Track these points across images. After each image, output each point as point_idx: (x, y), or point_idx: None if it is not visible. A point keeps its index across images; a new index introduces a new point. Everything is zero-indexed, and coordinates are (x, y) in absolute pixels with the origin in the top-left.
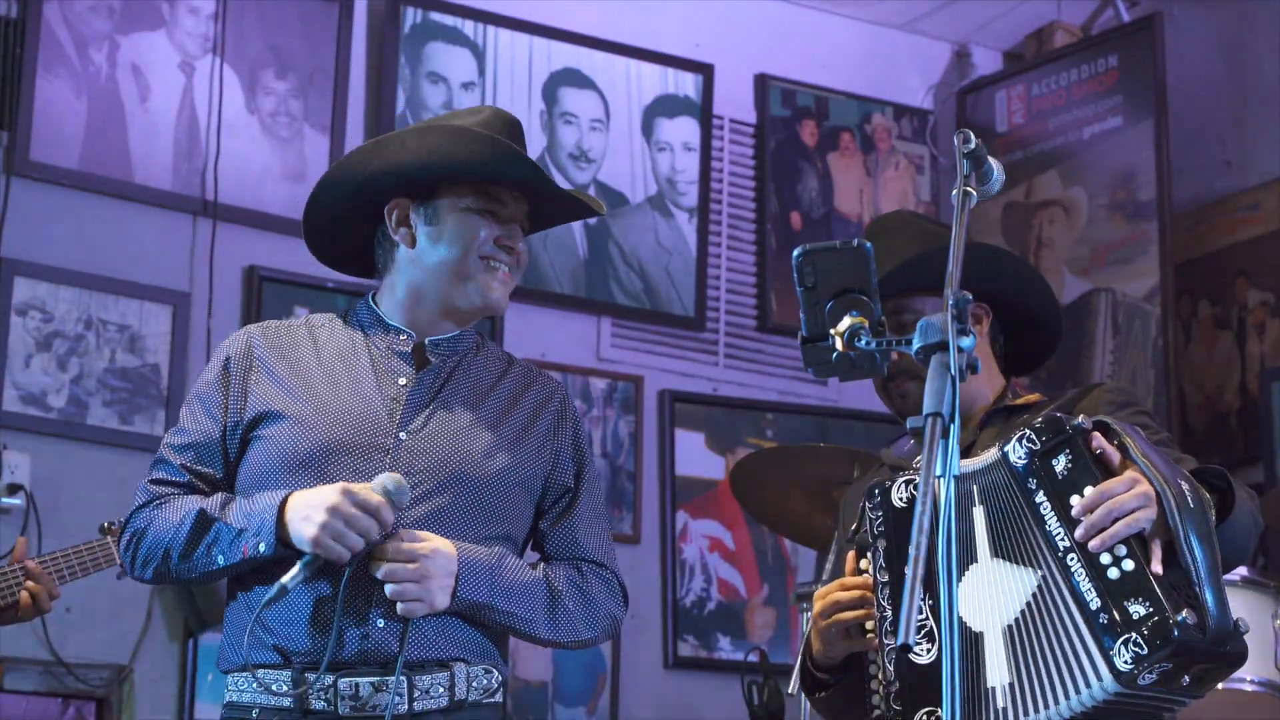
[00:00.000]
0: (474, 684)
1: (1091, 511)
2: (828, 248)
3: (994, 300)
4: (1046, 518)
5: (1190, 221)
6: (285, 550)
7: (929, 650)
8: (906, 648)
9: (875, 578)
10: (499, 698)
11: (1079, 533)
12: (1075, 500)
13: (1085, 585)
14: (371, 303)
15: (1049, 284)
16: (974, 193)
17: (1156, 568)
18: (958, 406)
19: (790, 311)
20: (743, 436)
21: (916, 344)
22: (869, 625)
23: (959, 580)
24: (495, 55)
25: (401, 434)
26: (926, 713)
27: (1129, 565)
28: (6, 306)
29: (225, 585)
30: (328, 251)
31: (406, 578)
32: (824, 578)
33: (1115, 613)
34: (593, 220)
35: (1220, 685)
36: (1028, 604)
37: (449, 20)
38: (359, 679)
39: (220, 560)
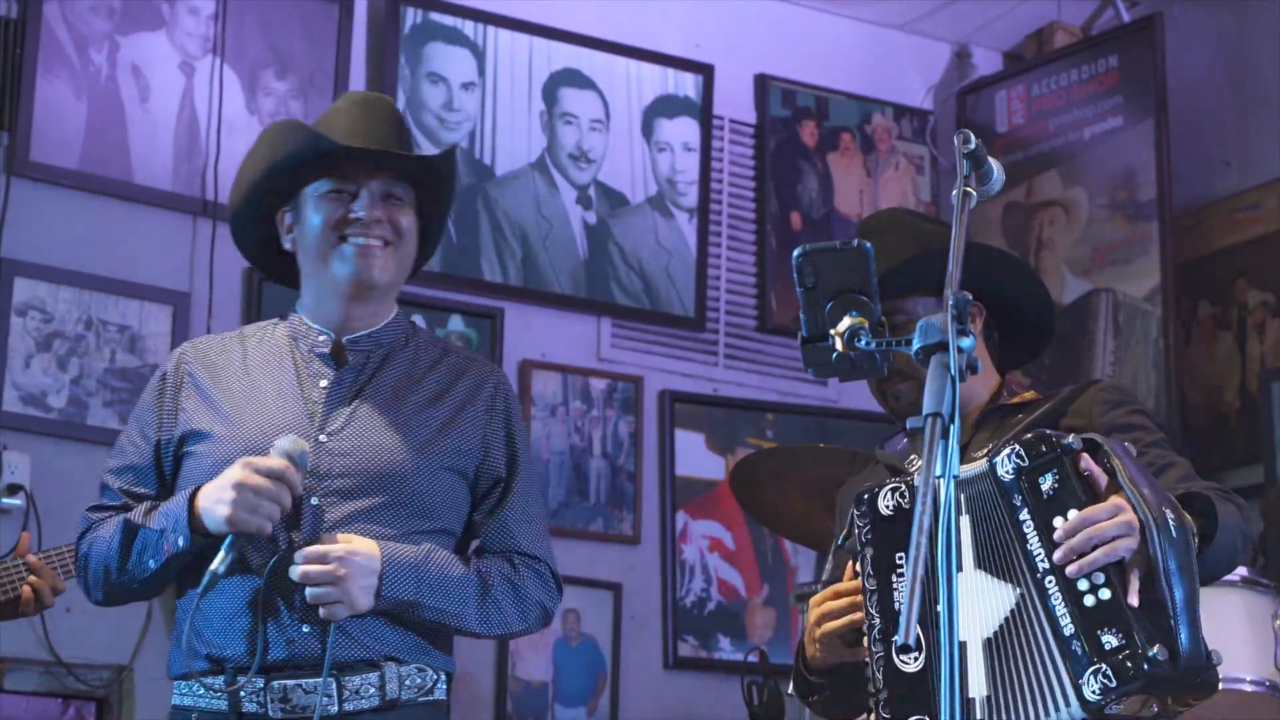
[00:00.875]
0: (406, 683)
1: (1073, 536)
2: (827, 248)
3: (985, 297)
4: (1029, 536)
5: (1190, 222)
6: (207, 540)
7: (917, 659)
8: (906, 648)
9: (864, 585)
10: (438, 695)
11: (1058, 555)
12: (1059, 521)
13: (1061, 610)
14: (296, 309)
15: (1040, 279)
16: (974, 193)
17: (1133, 599)
18: (957, 408)
19: (790, 312)
20: (743, 437)
21: (916, 344)
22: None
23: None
24: (495, 55)
25: (321, 436)
26: None
27: (1105, 594)
28: (6, 307)
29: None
30: (275, 273)
31: (323, 579)
32: (823, 578)
33: (1088, 642)
34: (592, 220)
35: (1220, 686)
36: (1006, 620)
37: (449, 20)
38: (288, 681)
39: (151, 564)
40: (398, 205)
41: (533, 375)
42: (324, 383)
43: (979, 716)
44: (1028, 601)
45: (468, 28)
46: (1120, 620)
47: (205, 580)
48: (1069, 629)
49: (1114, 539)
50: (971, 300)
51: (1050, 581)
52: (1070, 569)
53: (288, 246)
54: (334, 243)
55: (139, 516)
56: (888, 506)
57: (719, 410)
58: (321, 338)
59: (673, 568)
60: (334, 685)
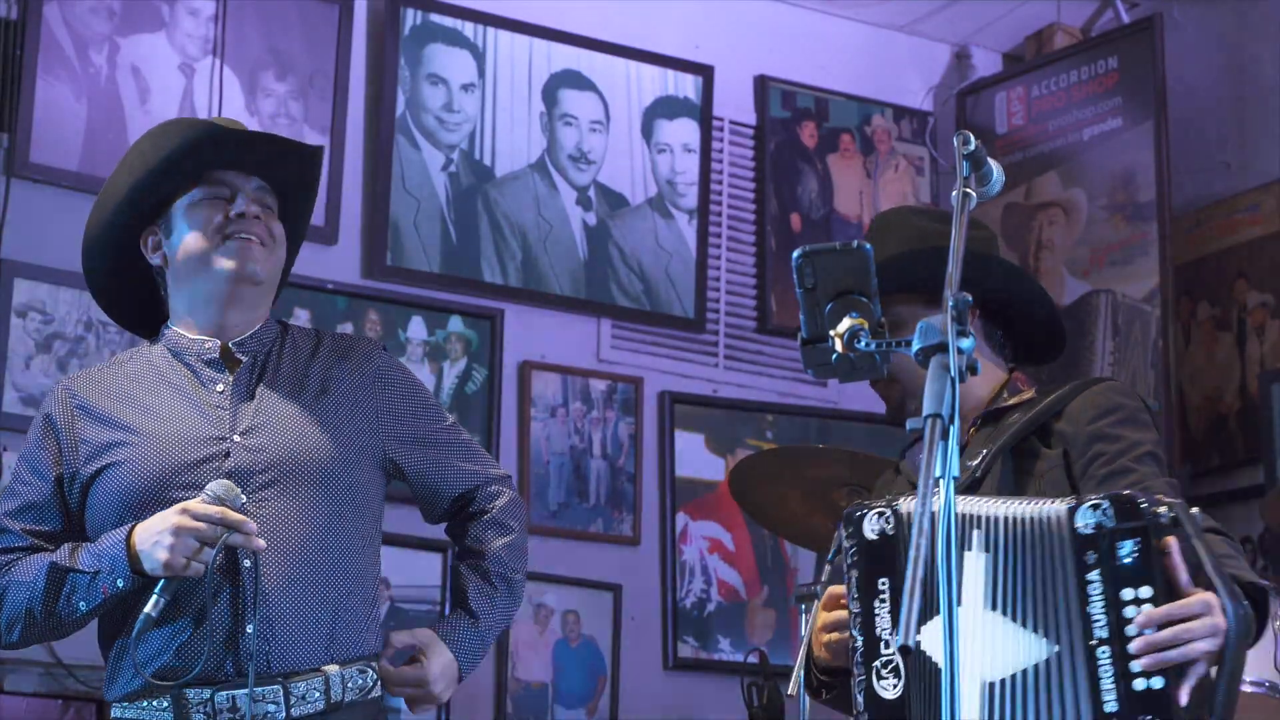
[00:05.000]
0: (349, 685)
1: (1158, 627)
2: (827, 249)
3: (982, 299)
4: (1092, 598)
5: (1189, 223)
6: (142, 580)
7: (895, 686)
8: (906, 649)
9: (849, 608)
10: (376, 693)
11: (1136, 644)
12: (1128, 593)
13: (1108, 685)
14: (169, 325)
15: (1036, 281)
16: (973, 194)
17: (1184, 696)
18: (957, 409)
19: (790, 313)
20: (742, 438)
21: (916, 346)
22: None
23: (930, 620)
24: (495, 57)
25: (235, 437)
26: None
27: (1158, 683)
28: (6, 308)
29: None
30: (133, 316)
31: (420, 699)
32: (823, 579)
33: None
34: (592, 221)
35: None
36: (1027, 672)
37: (449, 22)
38: (236, 691)
39: (83, 606)
40: (269, 213)
41: (532, 376)
42: (220, 387)
43: None
44: (1065, 662)
45: (467, 29)
46: (1164, 713)
47: (139, 624)
48: (1111, 705)
49: (1200, 640)
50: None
51: (1104, 652)
52: (1145, 660)
53: (156, 263)
54: (217, 243)
55: (64, 558)
56: (873, 531)
57: (719, 411)
58: (207, 344)
59: (672, 569)
60: (281, 692)
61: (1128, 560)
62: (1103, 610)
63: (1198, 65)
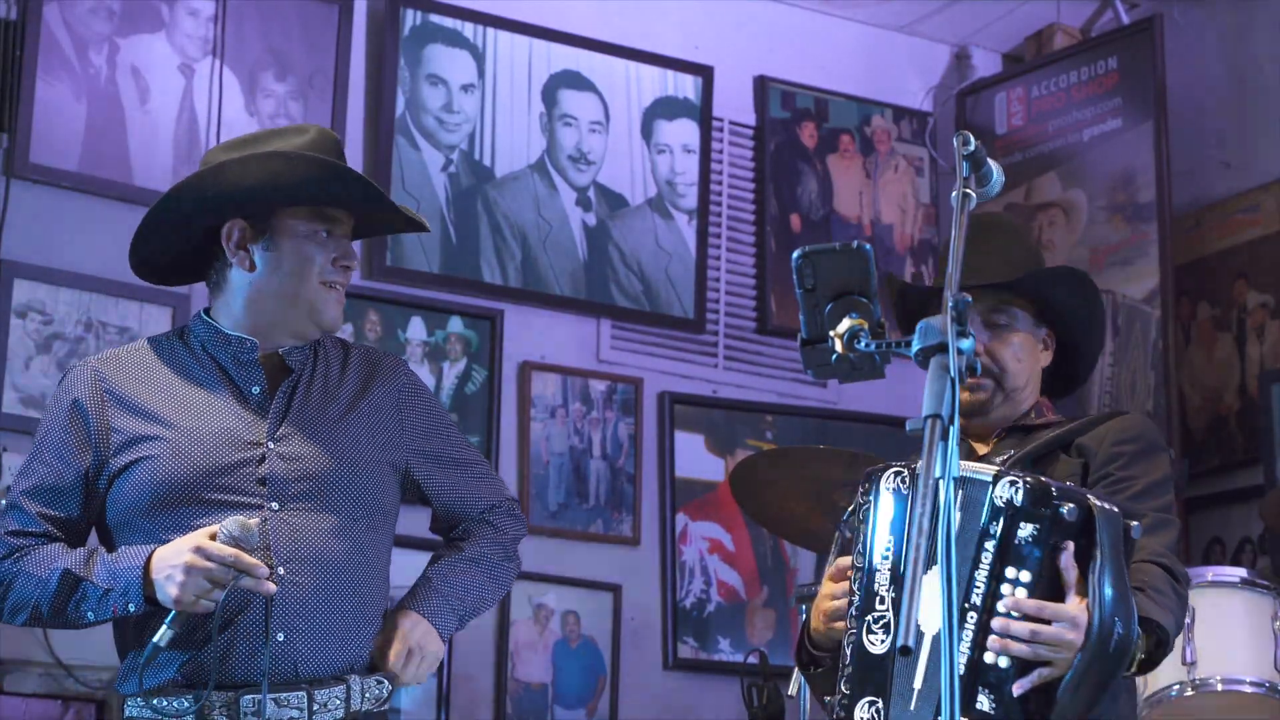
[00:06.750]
0: (367, 694)
1: (1022, 618)
2: (827, 249)
3: (1060, 329)
4: (981, 564)
5: (1189, 223)
6: (152, 607)
7: (883, 641)
8: (906, 649)
9: (854, 564)
10: (388, 705)
11: (998, 623)
12: (1011, 573)
13: (963, 647)
14: (206, 317)
15: (1104, 315)
16: (973, 195)
17: (1019, 688)
18: (957, 409)
19: (790, 313)
20: (742, 438)
21: (916, 346)
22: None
23: (924, 574)
24: (495, 57)
25: (270, 443)
26: (869, 701)
27: (1004, 662)
28: (6, 309)
29: None
30: (146, 264)
31: (413, 670)
32: (829, 562)
33: (964, 689)
34: (592, 222)
35: (1220, 686)
36: (940, 628)
37: (448, 22)
38: (260, 695)
39: (90, 616)
40: (354, 250)
41: (532, 377)
42: (255, 390)
43: (912, 706)
44: (948, 619)
45: (467, 29)
46: (1001, 695)
47: (148, 653)
48: (959, 669)
49: (1049, 645)
50: (1046, 328)
51: (971, 618)
52: (993, 642)
53: (234, 261)
54: (319, 291)
55: (79, 566)
56: (889, 489)
57: (718, 412)
58: (246, 344)
59: (672, 569)
60: (305, 698)
61: (1022, 542)
62: (985, 579)
63: (1198, 65)
